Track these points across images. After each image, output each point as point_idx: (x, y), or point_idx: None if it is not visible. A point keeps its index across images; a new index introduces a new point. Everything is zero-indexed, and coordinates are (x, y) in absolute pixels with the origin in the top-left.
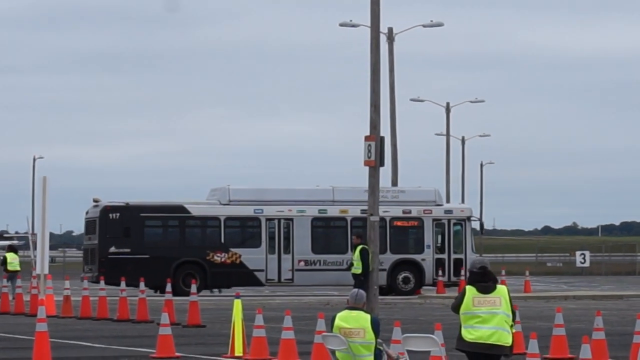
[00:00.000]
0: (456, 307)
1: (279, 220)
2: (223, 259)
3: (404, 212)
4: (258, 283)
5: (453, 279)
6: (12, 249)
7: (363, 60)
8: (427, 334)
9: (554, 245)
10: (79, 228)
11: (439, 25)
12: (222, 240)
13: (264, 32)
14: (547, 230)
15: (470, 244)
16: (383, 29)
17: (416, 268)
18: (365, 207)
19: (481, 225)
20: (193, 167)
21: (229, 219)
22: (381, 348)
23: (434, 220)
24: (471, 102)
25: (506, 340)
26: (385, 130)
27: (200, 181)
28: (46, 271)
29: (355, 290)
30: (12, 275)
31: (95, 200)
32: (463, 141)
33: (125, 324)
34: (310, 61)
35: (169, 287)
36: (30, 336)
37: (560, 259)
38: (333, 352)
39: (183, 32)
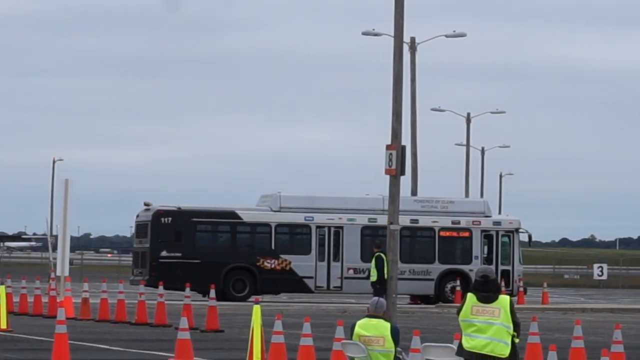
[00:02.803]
0: (458, 314)
1: (329, 227)
2: (273, 266)
3: (452, 222)
4: (307, 290)
5: None
6: None
7: (385, 70)
8: (446, 344)
9: (571, 258)
10: (96, 231)
11: (462, 35)
12: (273, 247)
13: (288, 41)
14: (564, 242)
15: (518, 255)
16: (406, 38)
17: (464, 278)
18: (415, 217)
19: (529, 237)
20: (210, 171)
21: (279, 225)
22: (400, 357)
23: (482, 231)
24: (492, 112)
25: (502, 351)
26: (406, 139)
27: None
28: (66, 273)
29: (376, 298)
30: None
31: (146, 204)
32: (483, 152)
33: (143, 327)
34: (332, 70)
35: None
36: (49, 338)
37: (578, 272)
38: (352, 359)
39: (209, 39)
